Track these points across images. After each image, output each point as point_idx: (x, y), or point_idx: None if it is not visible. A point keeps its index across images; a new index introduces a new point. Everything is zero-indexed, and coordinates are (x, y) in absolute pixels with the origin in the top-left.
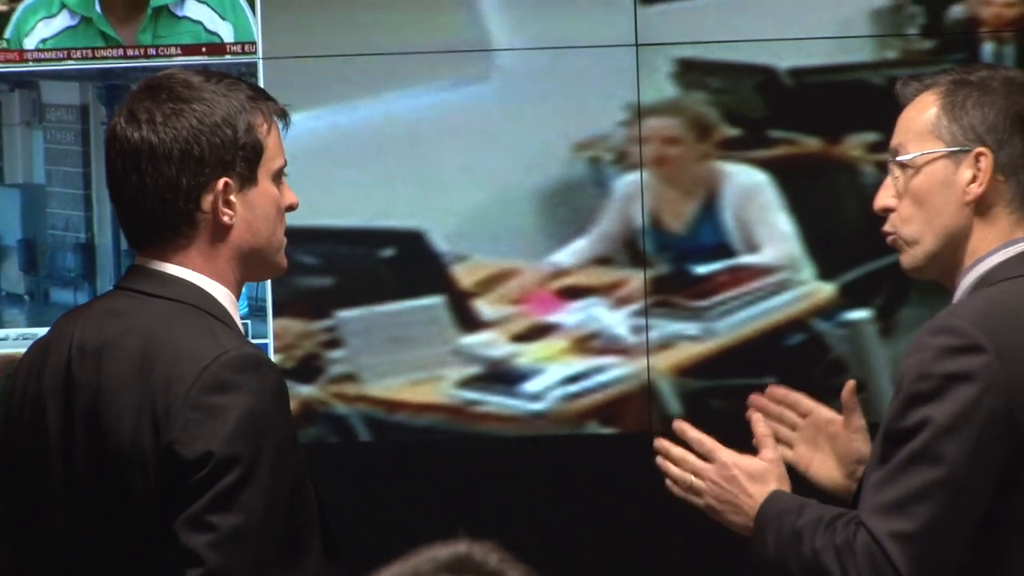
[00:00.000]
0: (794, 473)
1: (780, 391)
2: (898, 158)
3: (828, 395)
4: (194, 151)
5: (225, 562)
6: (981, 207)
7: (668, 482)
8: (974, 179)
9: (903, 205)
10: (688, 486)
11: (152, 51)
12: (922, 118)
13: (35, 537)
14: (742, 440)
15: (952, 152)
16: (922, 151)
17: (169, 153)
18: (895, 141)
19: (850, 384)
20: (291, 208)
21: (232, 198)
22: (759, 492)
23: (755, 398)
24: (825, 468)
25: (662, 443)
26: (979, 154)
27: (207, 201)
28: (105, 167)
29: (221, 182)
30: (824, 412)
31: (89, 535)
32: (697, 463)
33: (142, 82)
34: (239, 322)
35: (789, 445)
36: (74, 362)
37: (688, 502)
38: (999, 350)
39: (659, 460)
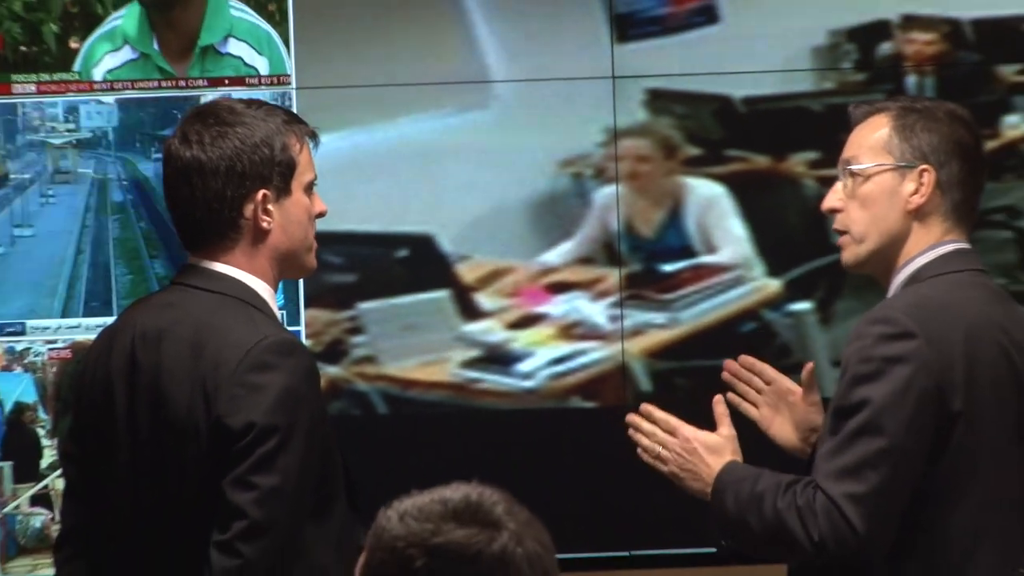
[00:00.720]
0: (749, 441)
1: (749, 360)
2: (851, 167)
3: None
4: (237, 167)
5: (265, 515)
6: (920, 215)
7: (638, 450)
8: (917, 191)
9: (852, 207)
10: (655, 455)
11: (182, 83)
12: (875, 136)
13: (102, 497)
14: (702, 410)
15: (900, 167)
16: (875, 163)
17: (216, 169)
18: (848, 153)
19: (809, 366)
20: (320, 215)
21: (270, 207)
22: (716, 462)
23: (729, 364)
24: (784, 430)
25: (634, 419)
26: (923, 170)
27: (248, 209)
28: (163, 181)
29: (260, 193)
30: (785, 382)
31: (150, 494)
32: (663, 436)
33: (193, 108)
34: (277, 312)
35: (755, 406)
36: (137, 347)
37: (654, 469)
38: (928, 336)
39: (631, 432)
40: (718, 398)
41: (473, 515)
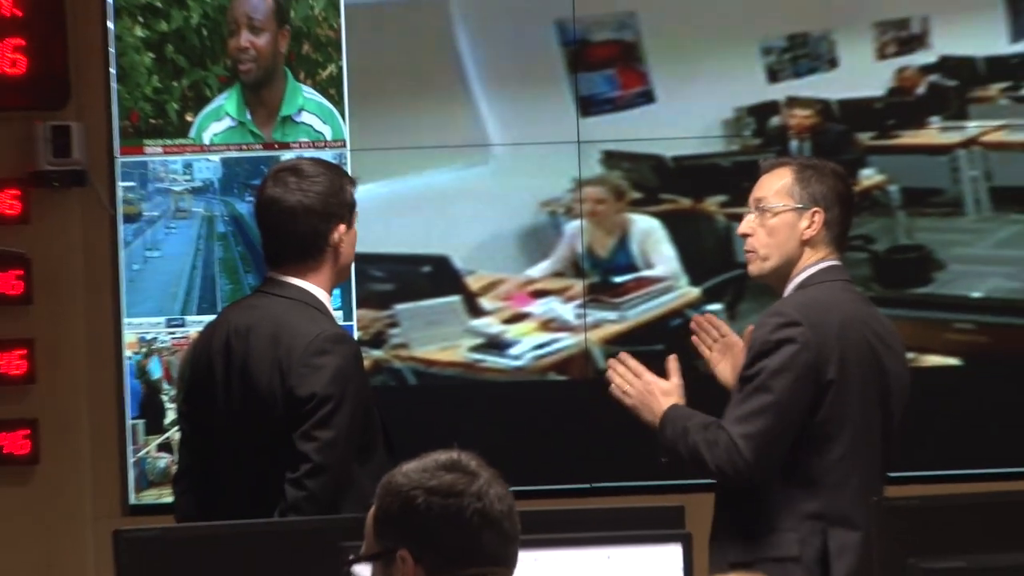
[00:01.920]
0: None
1: (711, 317)
2: (762, 205)
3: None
4: (328, 208)
5: (324, 459)
6: (810, 243)
7: (611, 386)
8: (810, 226)
9: (760, 234)
10: (623, 391)
11: (258, 146)
12: (781, 183)
13: (207, 446)
14: None
15: (799, 208)
16: (781, 203)
17: (313, 209)
18: (759, 193)
19: (750, 328)
20: None
21: (343, 236)
22: (666, 402)
23: (697, 317)
24: (726, 371)
25: (613, 362)
26: (816, 212)
27: (332, 239)
28: (261, 217)
29: (340, 226)
30: (733, 337)
31: (240, 445)
32: (631, 378)
33: (283, 164)
34: (332, 312)
35: (710, 349)
36: (231, 338)
37: (620, 401)
38: (810, 325)
39: (609, 372)
40: (672, 357)
41: (456, 467)
